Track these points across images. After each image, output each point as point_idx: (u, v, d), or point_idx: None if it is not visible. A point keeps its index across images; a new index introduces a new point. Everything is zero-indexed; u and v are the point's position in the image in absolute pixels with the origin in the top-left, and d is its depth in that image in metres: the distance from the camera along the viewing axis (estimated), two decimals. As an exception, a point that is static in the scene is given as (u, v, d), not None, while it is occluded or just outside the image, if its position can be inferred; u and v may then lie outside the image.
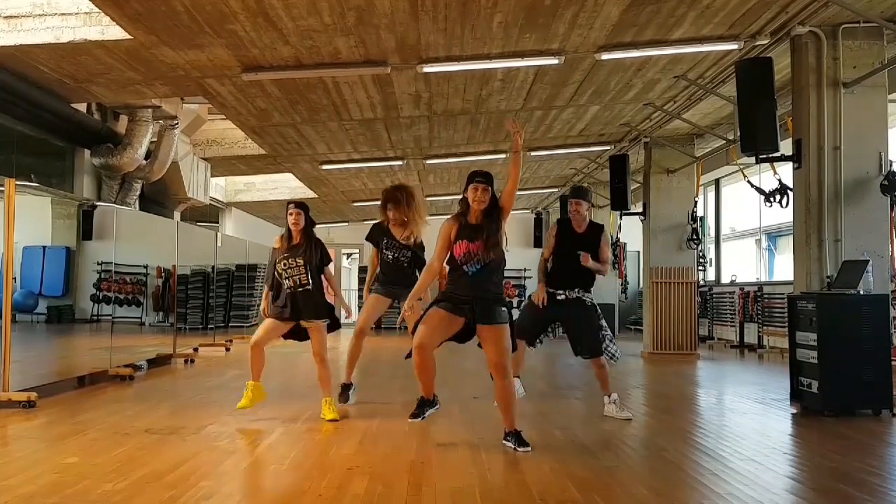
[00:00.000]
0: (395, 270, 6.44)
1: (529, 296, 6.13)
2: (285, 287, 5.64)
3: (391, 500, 3.58)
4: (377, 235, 6.56)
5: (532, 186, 17.50)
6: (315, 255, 5.71)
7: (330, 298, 5.95)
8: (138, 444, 4.77)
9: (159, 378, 8.61)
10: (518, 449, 4.58)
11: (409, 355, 4.75)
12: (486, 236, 4.59)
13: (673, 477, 4.17)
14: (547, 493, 3.70)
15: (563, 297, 5.87)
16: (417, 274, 6.23)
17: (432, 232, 5.87)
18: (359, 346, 6.50)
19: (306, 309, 5.65)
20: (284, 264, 5.66)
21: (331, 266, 5.89)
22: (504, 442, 4.72)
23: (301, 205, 5.80)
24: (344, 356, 6.79)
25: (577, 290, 5.89)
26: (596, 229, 6.04)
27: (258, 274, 14.37)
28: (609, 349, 5.92)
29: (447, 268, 4.82)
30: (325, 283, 5.79)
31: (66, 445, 4.73)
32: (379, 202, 6.69)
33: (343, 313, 6.48)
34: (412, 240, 6.46)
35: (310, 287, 5.66)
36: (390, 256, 6.43)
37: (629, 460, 4.64)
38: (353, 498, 3.58)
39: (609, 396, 5.91)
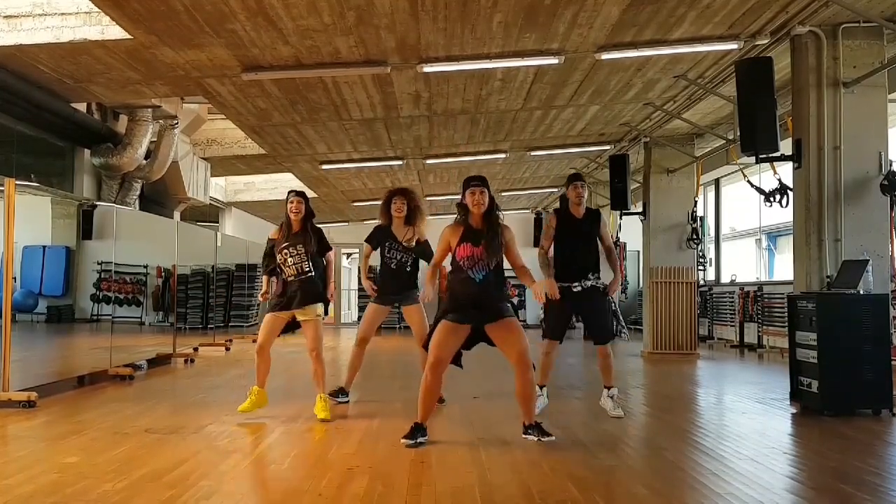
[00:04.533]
0: (396, 277, 6.38)
1: (545, 305, 5.87)
2: (287, 276, 5.64)
3: (391, 499, 3.58)
4: (379, 237, 6.45)
5: (532, 186, 17.50)
6: (314, 242, 5.71)
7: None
8: (138, 443, 4.77)
9: (159, 378, 8.61)
10: (542, 439, 4.64)
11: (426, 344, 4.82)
12: (488, 240, 4.67)
13: (673, 477, 4.17)
14: (547, 493, 3.70)
15: (578, 288, 5.78)
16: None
17: (432, 233, 5.87)
18: (360, 355, 6.53)
19: (307, 295, 5.64)
20: (286, 252, 5.65)
21: (331, 253, 5.91)
22: (525, 436, 4.75)
23: (301, 193, 5.82)
24: (342, 356, 6.78)
25: (590, 275, 5.83)
26: (594, 214, 6.05)
27: (258, 274, 14.38)
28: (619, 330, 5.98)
29: (447, 268, 4.84)
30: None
31: (66, 445, 4.73)
32: (381, 201, 6.57)
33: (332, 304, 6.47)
34: (414, 240, 6.38)
35: (312, 274, 5.67)
36: (394, 262, 6.36)
37: (629, 460, 4.64)
38: (352, 497, 3.58)
39: (608, 389, 5.88)
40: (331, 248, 5.91)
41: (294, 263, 5.62)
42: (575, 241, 5.85)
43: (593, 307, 5.89)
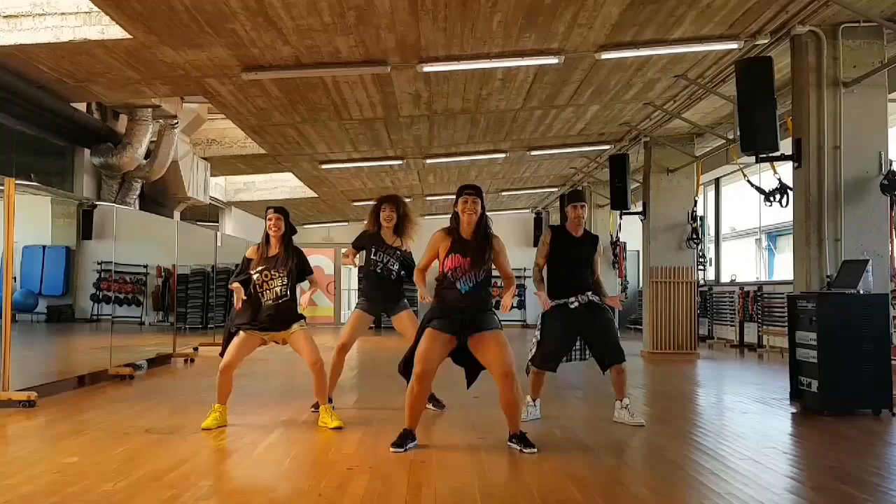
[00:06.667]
0: (381, 282, 6.17)
1: (543, 315, 5.75)
2: (263, 300, 5.31)
3: (391, 499, 3.58)
4: (364, 241, 6.25)
5: (532, 186, 17.49)
6: (294, 265, 5.36)
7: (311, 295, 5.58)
8: (138, 443, 4.77)
9: (159, 377, 8.62)
10: (524, 450, 4.57)
11: (403, 370, 4.78)
12: (476, 252, 4.64)
13: (673, 476, 4.17)
14: (547, 493, 3.70)
15: (575, 303, 5.57)
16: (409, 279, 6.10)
17: (421, 244, 5.82)
18: (341, 361, 6.32)
19: (283, 320, 5.32)
20: (263, 276, 5.30)
21: (313, 277, 5.59)
22: (509, 444, 4.70)
23: (281, 210, 5.45)
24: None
25: (587, 293, 5.61)
26: (593, 238, 5.88)
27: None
28: None
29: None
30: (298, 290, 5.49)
31: (67, 445, 4.74)
32: (371, 208, 6.40)
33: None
34: (402, 246, 6.23)
35: (288, 298, 5.35)
36: (380, 265, 6.14)
37: (629, 460, 4.64)
38: (352, 497, 3.58)
39: (621, 401, 5.66)
40: (312, 272, 5.56)
41: (274, 287, 5.29)
42: (570, 261, 5.67)
43: (597, 324, 5.60)
